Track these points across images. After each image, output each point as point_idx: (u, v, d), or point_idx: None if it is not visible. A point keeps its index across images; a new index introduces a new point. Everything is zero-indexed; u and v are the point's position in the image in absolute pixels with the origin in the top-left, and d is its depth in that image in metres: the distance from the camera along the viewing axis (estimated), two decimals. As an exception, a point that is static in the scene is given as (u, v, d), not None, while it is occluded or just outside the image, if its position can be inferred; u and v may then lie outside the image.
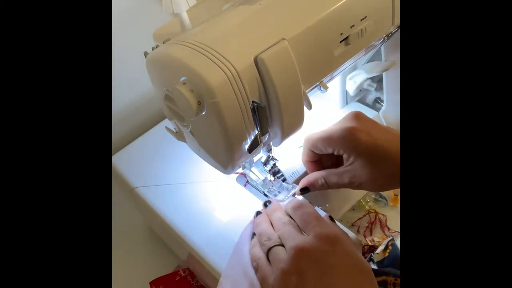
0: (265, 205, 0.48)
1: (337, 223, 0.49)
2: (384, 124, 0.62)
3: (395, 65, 0.62)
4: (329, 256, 0.37)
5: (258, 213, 0.48)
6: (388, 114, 0.68)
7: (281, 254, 0.38)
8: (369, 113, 0.66)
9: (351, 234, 0.49)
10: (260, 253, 0.41)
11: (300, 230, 0.42)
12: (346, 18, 0.45)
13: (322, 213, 0.50)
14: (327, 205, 0.61)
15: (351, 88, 0.65)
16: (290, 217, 0.44)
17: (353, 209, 0.69)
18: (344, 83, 0.65)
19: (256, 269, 0.40)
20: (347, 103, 0.70)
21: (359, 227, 0.67)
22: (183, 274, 0.66)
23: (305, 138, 0.52)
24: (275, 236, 0.41)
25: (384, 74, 0.64)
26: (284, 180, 0.55)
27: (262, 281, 0.39)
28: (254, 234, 0.46)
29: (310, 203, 0.48)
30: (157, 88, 0.47)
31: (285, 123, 0.43)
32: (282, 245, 0.40)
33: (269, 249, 0.40)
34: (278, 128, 0.44)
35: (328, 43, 0.45)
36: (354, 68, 0.65)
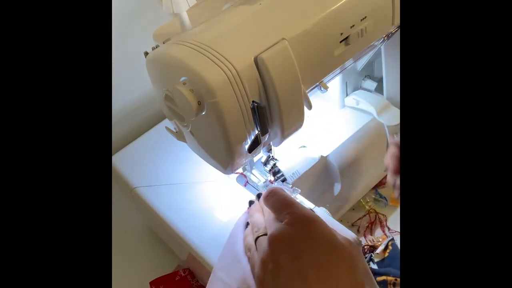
0: (258, 196, 0.49)
1: (337, 222, 0.49)
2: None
3: (395, 66, 0.62)
4: (301, 240, 0.38)
5: (250, 202, 0.49)
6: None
7: (263, 244, 0.40)
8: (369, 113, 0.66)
9: (351, 234, 0.49)
10: (251, 242, 0.43)
11: None
12: (346, 18, 0.45)
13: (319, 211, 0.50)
14: (327, 205, 0.61)
15: (350, 104, 0.66)
16: None
17: (353, 209, 0.69)
18: (344, 83, 0.65)
19: (249, 257, 0.42)
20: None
21: (359, 227, 0.67)
22: (183, 274, 0.66)
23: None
24: (263, 226, 0.43)
25: (384, 74, 0.64)
26: (284, 180, 0.55)
27: (252, 269, 0.41)
28: (247, 223, 0.47)
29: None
30: (157, 88, 0.47)
31: (285, 123, 0.43)
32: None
33: (257, 238, 0.42)
34: (278, 128, 0.44)
35: (328, 43, 0.45)
36: (354, 68, 0.65)
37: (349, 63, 0.50)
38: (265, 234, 0.41)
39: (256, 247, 0.41)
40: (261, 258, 0.38)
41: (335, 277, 0.36)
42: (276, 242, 0.38)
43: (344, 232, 0.47)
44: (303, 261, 0.37)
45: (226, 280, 0.43)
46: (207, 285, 0.45)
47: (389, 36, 0.52)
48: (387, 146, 0.67)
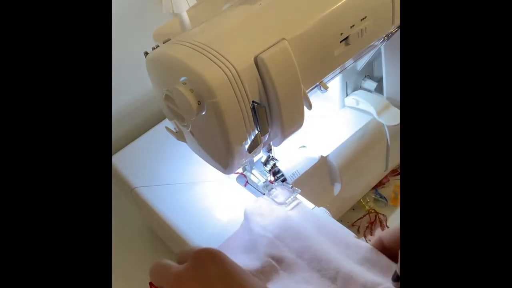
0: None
1: (337, 222, 0.49)
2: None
3: (395, 66, 0.62)
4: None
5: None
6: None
7: None
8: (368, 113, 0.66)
9: (351, 234, 0.49)
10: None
11: None
12: (346, 18, 0.45)
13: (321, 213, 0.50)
14: (327, 205, 0.61)
15: (350, 104, 0.66)
16: None
17: (353, 209, 0.69)
18: (344, 83, 0.65)
19: None
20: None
21: (359, 227, 0.67)
22: (183, 274, 0.66)
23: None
24: None
25: (384, 74, 0.64)
26: (284, 180, 0.55)
27: None
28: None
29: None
30: (157, 88, 0.47)
31: (285, 123, 0.43)
32: None
33: None
34: (278, 128, 0.44)
35: (328, 43, 0.45)
36: (354, 68, 0.65)
37: (349, 63, 0.50)
38: None
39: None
40: None
41: None
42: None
43: (343, 232, 0.47)
44: None
45: None
46: None
47: (389, 36, 0.52)
48: (387, 148, 0.67)
